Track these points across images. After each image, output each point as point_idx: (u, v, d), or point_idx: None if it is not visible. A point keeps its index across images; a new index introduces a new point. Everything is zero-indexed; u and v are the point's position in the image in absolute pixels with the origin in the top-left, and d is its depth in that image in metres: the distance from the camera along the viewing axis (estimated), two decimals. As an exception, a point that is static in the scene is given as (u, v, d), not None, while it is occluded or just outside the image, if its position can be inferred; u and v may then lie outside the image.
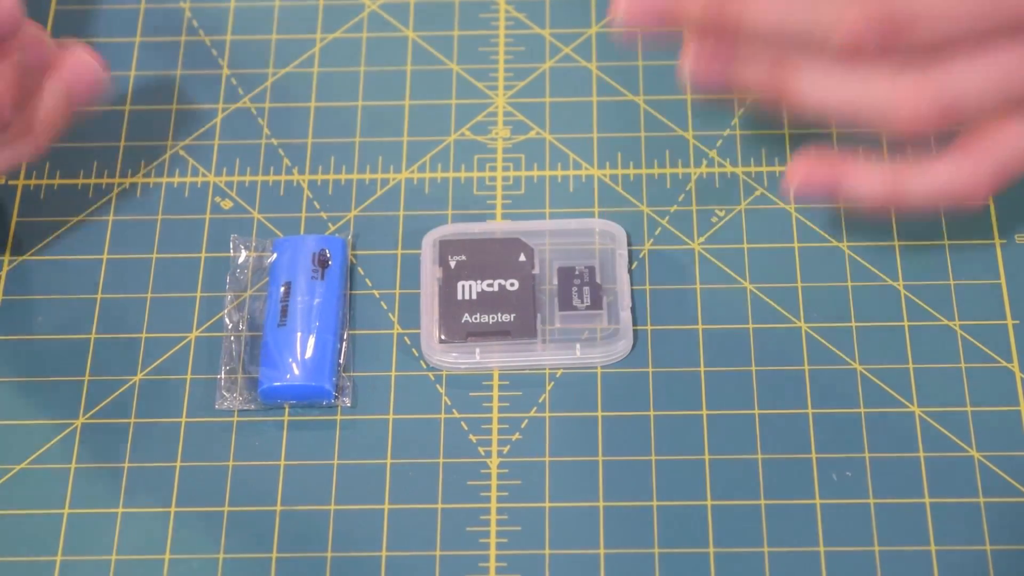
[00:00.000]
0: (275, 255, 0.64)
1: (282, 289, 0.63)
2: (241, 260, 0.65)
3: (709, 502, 0.59)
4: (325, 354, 0.62)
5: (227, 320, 0.63)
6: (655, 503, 0.59)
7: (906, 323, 0.63)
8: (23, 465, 0.61)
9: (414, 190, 0.67)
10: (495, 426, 0.61)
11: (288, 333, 0.62)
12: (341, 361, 0.62)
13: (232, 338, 0.63)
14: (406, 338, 0.63)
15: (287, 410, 0.62)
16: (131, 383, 0.62)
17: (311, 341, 0.62)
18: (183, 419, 0.62)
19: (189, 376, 0.62)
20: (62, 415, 0.62)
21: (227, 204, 0.66)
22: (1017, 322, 0.63)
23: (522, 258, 0.64)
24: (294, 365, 0.61)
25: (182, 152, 0.68)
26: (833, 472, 0.60)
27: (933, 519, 0.59)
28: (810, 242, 0.65)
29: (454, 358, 0.62)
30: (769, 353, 0.62)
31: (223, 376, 0.62)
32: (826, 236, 0.65)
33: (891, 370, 0.62)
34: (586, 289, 0.63)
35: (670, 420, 0.61)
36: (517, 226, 0.65)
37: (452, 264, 0.64)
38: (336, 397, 0.61)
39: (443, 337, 0.62)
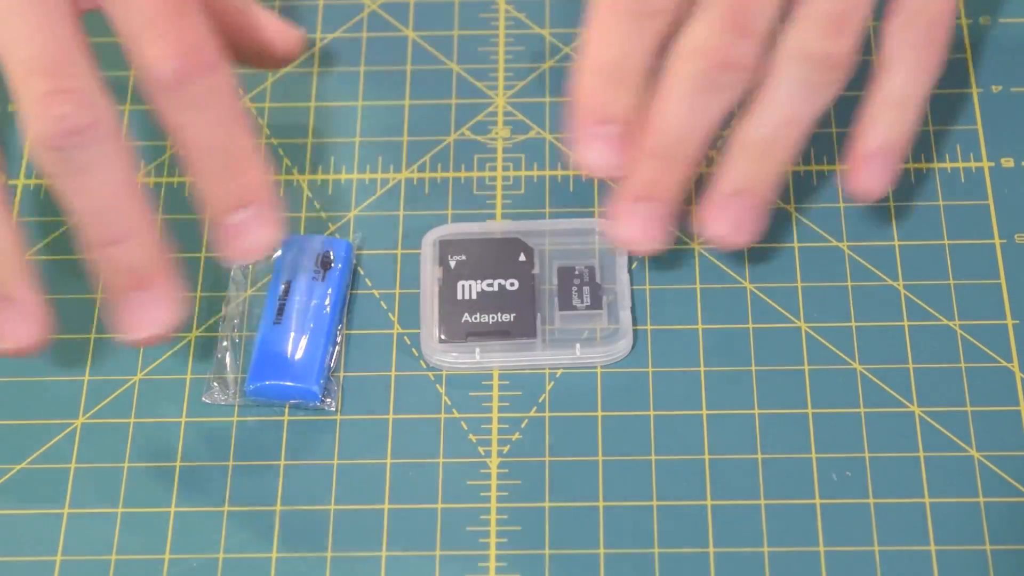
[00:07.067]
0: (280, 251, 0.64)
1: (282, 287, 0.63)
2: (241, 260, 0.65)
3: (709, 502, 0.59)
4: (315, 356, 0.62)
5: (227, 320, 0.63)
6: (655, 503, 0.59)
7: (906, 323, 0.63)
8: (23, 465, 0.61)
9: (414, 190, 0.67)
10: (495, 426, 0.61)
11: (282, 332, 0.62)
12: (331, 364, 0.62)
13: (230, 337, 0.63)
14: (406, 338, 0.63)
15: (287, 410, 0.62)
16: (131, 383, 0.62)
17: (303, 342, 0.62)
18: (183, 419, 0.62)
19: (189, 376, 0.62)
20: (62, 415, 0.62)
21: (227, 204, 0.66)
22: (1017, 322, 0.63)
23: (522, 258, 0.64)
24: (283, 365, 0.61)
25: (182, 152, 0.68)
26: (833, 472, 0.60)
27: (933, 519, 0.59)
28: (810, 242, 0.65)
29: (454, 358, 0.62)
30: (769, 353, 0.62)
31: (213, 376, 0.62)
32: (826, 236, 0.65)
33: (891, 370, 0.62)
34: (586, 289, 0.63)
35: (670, 420, 0.61)
36: (517, 226, 0.65)
37: (452, 264, 0.64)
38: (322, 400, 0.61)
39: (443, 337, 0.62)
